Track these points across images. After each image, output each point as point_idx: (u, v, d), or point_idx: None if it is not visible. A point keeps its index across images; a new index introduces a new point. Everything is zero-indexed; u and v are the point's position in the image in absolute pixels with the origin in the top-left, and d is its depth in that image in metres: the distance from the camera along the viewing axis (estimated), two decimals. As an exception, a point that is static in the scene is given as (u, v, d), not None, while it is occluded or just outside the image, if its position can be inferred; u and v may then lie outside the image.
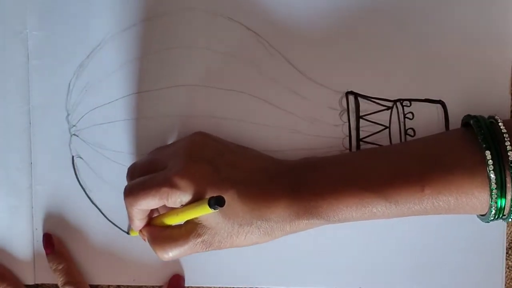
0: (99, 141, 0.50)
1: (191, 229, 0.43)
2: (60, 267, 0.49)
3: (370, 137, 0.49)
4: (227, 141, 0.47)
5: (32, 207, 0.51)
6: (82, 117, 0.50)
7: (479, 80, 0.49)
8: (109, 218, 0.50)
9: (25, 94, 0.50)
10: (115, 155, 0.50)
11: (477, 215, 0.45)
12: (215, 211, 0.39)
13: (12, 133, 0.50)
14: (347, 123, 0.49)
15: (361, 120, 0.49)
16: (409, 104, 0.49)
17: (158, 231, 0.44)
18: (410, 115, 0.49)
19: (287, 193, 0.43)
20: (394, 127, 0.49)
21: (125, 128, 0.50)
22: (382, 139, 0.49)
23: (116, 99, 0.50)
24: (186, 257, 0.50)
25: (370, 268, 0.50)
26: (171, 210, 0.43)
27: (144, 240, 0.46)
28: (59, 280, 0.49)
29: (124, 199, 0.43)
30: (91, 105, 0.50)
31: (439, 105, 0.49)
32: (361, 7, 0.49)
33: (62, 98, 0.50)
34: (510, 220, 0.43)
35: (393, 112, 0.49)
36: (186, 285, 0.50)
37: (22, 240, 0.51)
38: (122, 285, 0.51)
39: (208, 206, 0.39)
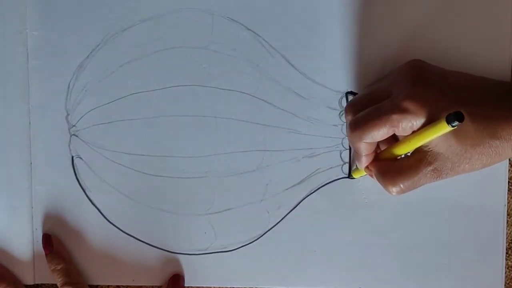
0: (99, 141, 0.50)
1: (420, 158, 0.41)
2: (59, 267, 0.49)
3: (370, 137, 0.49)
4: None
5: (32, 207, 0.51)
6: (82, 117, 0.50)
7: (479, 80, 0.49)
8: (109, 219, 0.50)
9: (25, 94, 0.50)
10: (115, 155, 0.50)
11: None
12: (453, 128, 0.37)
13: (12, 133, 0.50)
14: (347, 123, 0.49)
15: (361, 120, 0.49)
16: (409, 104, 0.49)
17: (386, 165, 0.43)
18: (410, 115, 0.49)
19: None
20: (394, 127, 0.49)
21: (125, 128, 0.50)
22: (382, 139, 0.49)
23: (116, 99, 0.50)
24: (186, 257, 0.50)
25: (370, 268, 0.50)
26: (401, 139, 0.42)
27: (372, 176, 0.45)
28: (58, 280, 0.49)
29: (350, 134, 0.42)
30: (91, 105, 0.50)
31: (439, 105, 0.49)
32: (361, 7, 0.49)
33: (62, 98, 0.50)
34: None
35: (393, 112, 0.49)
36: (186, 285, 0.50)
37: (22, 240, 0.51)
38: (122, 285, 0.51)
39: (446, 124, 0.37)
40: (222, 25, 0.49)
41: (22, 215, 0.51)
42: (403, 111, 0.40)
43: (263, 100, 0.50)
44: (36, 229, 0.51)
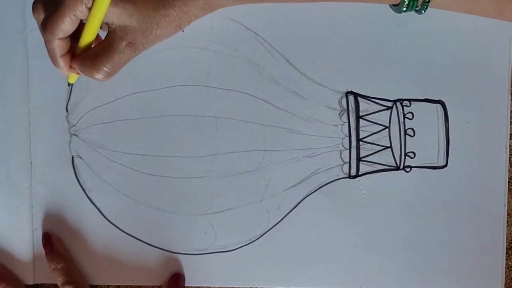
0: (99, 141, 0.50)
1: (112, 37, 0.42)
2: (59, 266, 0.49)
3: (370, 137, 0.49)
4: None
5: (32, 207, 0.51)
6: (82, 117, 0.50)
7: (479, 80, 0.49)
8: (109, 218, 0.50)
9: (25, 94, 0.50)
10: (115, 155, 0.50)
11: (390, 5, 0.45)
12: None
13: (12, 133, 0.50)
14: (347, 123, 0.49)
15: (361, 120, 0.49)
16: (409, 104, 0.49)
17: (84, 55, 0.43)
18: (410, 115, 0.49)
19: None
20: (394, 127, 0.49)
21: (125, 128, 0.50)
22: (382, 139, 0.49)
23: (116, 99, 0.50)
24: (186, 257, 0.50)
25: (370, 268, 0.50)
26: (84, 25, 0.42)
27: (79, 74, 0.45)
28: (58, 279, 0.49)
29: (43, 36, 0.42)
30: (91, 105, 0.50)
31: (439, 105, 0.49)
32: (361, 6, 0.49)
33: (62, 98, 0.50)
34: (423, 12, 0.43)
35: (393, 112, 0.50)
36: (186, 285, 0.50)
37: (22, 240, 0.51)
38: (122, 285, 0.51)
39: None
40: (222, 25, 0.49)
41: (22, 215, 0.51)
42: None
43: (263, 100, 0.50)
44: (36, 229, 0.51)
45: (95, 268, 0.51)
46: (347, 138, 0.49)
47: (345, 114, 0.49)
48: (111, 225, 0.50)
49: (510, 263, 0.50)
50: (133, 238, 0.50)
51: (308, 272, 0.50)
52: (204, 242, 0.50)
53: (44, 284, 0.51)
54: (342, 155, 0.50)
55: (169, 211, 0.50)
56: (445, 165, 0.49)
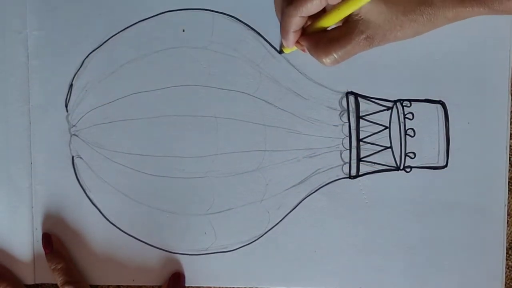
0: (99, 141, 0.50)
1: (352, 26, 0.42)
2: (59, 266, 0.49)
3: (370, 137, 0.49)
4: None
5: (32, 207, 0.51)
6: (82, 117, 0.50)
7: (479, 80, 0.49)
8: (109, 218, 0.50)
9: (25, 94, 0.50)
10: (115, 155, 0.50)
11: None
12: None
13: (12, 133, 0.50)
14: (347, 123, 0.49)
15: (361, 120, 0.49)
16: (409, 105, 0.49)
17: (317, 37, 0.43)
18: (410, 115, 0.49)
19: None
20: (394, 127, 0.49)
21: (125, 128, 0.50)
22: (382, 139, 0.49)
23: (116, 99, 0.50)
24: (186, 257, 0.50)
25: (370, 268, 0.50)
26: (331, 9, 0.42)
27: (304, 51, 0.45)
28: (58, 279, 0.49)
29: (286, 8, 0.42)
30: (91, 105, 0.50)
31: (439, 105, 0.49)
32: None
33: (62, 98, 0.50)
34: None
35: (393, 112, 0.50)
36: (186, 285, 0.50)
37: (22, 240, 0.51)
38: (122, 285, 0.51)
39: None
40: (222, 25, 0.49)
41: (22, 215, 0.51)
42: None
43: (263, 100, 0.50)
44: (36, 229, 0.51)
45: (95, 268, 0.51)
46: (348, 138, 0.49)
47: (346, 114, 0.49)
48: (111, 225, 0.50)
49: (510, 263, 0.50)
50: (133, 238, 0.50)
51: (308, 272, 0.50)
52: (204, 242, 0.50)
53: (44, 284, 0.51)
54: (342, 155, 0.50)
55: (169, 211, 0.50)
56: (445, 165, 0.49)
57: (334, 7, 0.42)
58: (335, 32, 0.43)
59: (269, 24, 0.49)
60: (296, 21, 0.43)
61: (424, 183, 0.49)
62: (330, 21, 0.43)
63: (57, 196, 0.50)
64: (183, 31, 0.49)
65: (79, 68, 0.50)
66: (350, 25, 0.42)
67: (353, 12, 0.42)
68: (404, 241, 0.50)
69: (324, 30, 0.44)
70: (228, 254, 0.50)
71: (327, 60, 0.43)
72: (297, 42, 0.45)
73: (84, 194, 0.50)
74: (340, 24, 0.43)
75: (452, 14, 0.43)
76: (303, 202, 0.50)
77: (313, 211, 0.50)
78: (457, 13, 0.43)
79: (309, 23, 0.45)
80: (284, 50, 0.49)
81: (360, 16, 0.42)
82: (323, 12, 0.43)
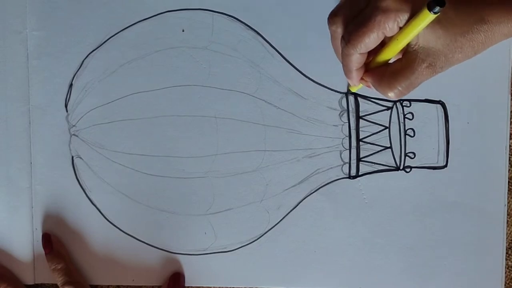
0: (99, 141, 0.50)
1: (413, 57, 0.41)
2: (59, 266, 0.49)
3: (370, 137, 0.49)
4: None
5: (32, 207, 0.51)
6: (82, 117, 0.50)
7: (479, 80, 0.49)
8: (109, 219, 0.50)
9: (25, 94, 0.50)
10: (115, 155, 0.50)
11: None
12: (436, 15, 0.37)
13: (12, 133, 0.50)
14: (347, 124, 0.49)
15: (361, 120, 0.49)
16: (409, 105, 0.49)
17: (380, 71, 0.43)
18: (410, 116, 0.49)
19: None
20: (394, 127, 0.49)
21: (125, 128, 0.50)
22: (382, 139, 0.49)
23: (116, 99, 0.50)
24: (186, 257, 0.50)
25: (370, 268, 0.50)
26: (389, 41, 0.42)
27: (369, 86, 0.44)
28: (58, 280, 0.49)
29: (344, 47, 0.42)
30: (91, 105, 0.50)
31: (439, 105, 0.49)
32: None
33: (62, 98, 0.50)
34: None
35: (393, 112, 0.50)
36: (186, 285, 0.50)
37: (22, 240, 0.51)
38: (122, 285, 0.51)
39: (428, 12, 0.37)
40: (222, 25, 0.49)
41: (22, 215, 0.51)
42: (385, 11, 0.39)
43: (263, 100, 0.50)
44: (36, 229, 0.51)
45: (95, 268, 0.51)
46: (347, 138, 0.49)
47: (345, 114, 0.49)
48: (111, 225, 0.50)
49: (510, 263, 0.50)
50: (133, 238, 0.50)
51: (308, 272, 0.50)
52: (204, 242, 0.50)
53: (44, 284, 0.51)
54: (342, 155, 0.50)
55: (169, 211, 0.50)
56: (445, 165, 0.49)
57: (392, 38, 0.41)
58: (397, 65, 0.42)
59: (269, 24, 0.49)
60: (356, 58, 0.42)
61: (423, 183, 0.49)
62: (390, 54, 0.42)
63: (57, 196, 0.50)
64: (183, 31, 0.49)
65: (79, 68, 0.50)
66: (410, 55, 0.41)
67: (411, 42, 0.41)
68: (404, 241, 0.50)
69: (386, 63, 0.43)
70: (228, 254, 0.50)
71: (391, 93, 0.42)
72: (362, 78, 0.44)
73: (84, 194, 0.50)
74: (400, 56, 0.42)
75: (507, 29, 0.41)
76: (303, 202, 0.50)
77: (313, 211, 0.50)
78: None
79: (370, 58, 0.44)
80: (351, 89, 0.49)
81: (418, 45, 0.41)
82: (382, 46, 0.42)
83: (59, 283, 0.49)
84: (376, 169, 0.49)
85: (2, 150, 0.50)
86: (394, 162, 0.49)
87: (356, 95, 0.49)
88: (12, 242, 0.51)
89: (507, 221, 0.50)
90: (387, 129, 0.49)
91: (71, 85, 0.50)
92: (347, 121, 0.49)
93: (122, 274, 0.51)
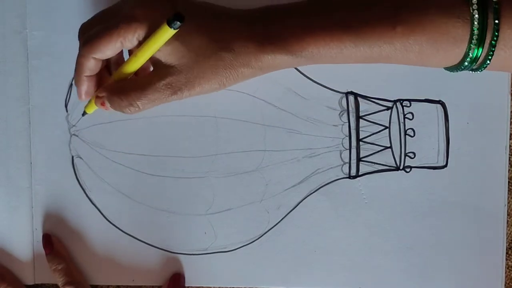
0: (99, 141, 0.50)
1: (154, 73, 0.40)
2: (60, 267, 0.49)
3: (370, 137, 0.49)
4: None
5: (32, 207, 0.51)
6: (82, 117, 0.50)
7: (479, 80, 0.49)
8: (109, 219, 0.50)
9: (25, 94, 0.50)
10: (115, 155, 0.50)
11: (445, 68, 0.42)
12: (176, 30, 0.37)
13: (12, 133, 0.50)
14: (347, 123, 0.49)
15: (361, 120, 0.49)
16: (409, 104, 0.49)
17: (119, 85, 0.41)
18: (410, 115, 0.49)
19: (251, 25, 0.40)
20: (394, 127, 0.49)
21: (125, 128, 0.50)
22: (382, 139, 0.49)
23: (116, 99, 0.50)
24: (186, 257, 0.50)
25: (370, 268, 0.50)
26: (129, 57, 0.40)
27: (104, 106, 0.42)
28: (59, 280, 0.49)
29: (80, 50, 0.40)
30: (91, 105, 0.50)
31: (439, 105, 0.49)
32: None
33: (62, 98, 0.50)
34: (479, 71, 0.40)
35: (393, 112, 0.50)
36: (186, 285, 0.50)
37: (22, 240, 0.51)
38: (122, 285, 0.51)
39: (168, 27, 0.36)
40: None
41: (22, 215, 0.51)
42: (130, 19, 0.38)
43: (263, 100, 0.50)
44: (36, 229, 0.51)
45: (95, 268, 0.51)
46: (347, 138, 0.49)
47: (345, 114, 0.49)
48: (111, 225, 0.50)
49: (510, 263, 0.50)
50: (133, 238, 0.50)
51: (308, 272, 0.50)
52: (204, 242, 0.50)
53: (44, 284, 0.51)
54: (342, 155, 0.50)
55: (169, 211, 0.50)
56: (445, 165, 0.49)
57: (133, 52, 0.40)
58: (138, 79, 0.41)
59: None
60: (89, 63, 0.40)
61: (423, 183, 0.49)
62: (130, 68, 0.41)
63: (57, 196, 0.50)
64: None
65: (79, 68, 0.50)
66: (153, 71, 0.40)
67: (156, 57, 0.40)
68: (404, 241, 0.50)
69: (124, 79, 0.42)
70: (228, 254, 0.50)
71: (129, 108, 0.41)
72: (97, 97, 0.42)
73: (84, 194, 0.50)
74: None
75: (254, 61, 0.40)
76: (303, 202, 0.50)
77: (313, 211, 0.50)
78: (260, 61, 0.40)
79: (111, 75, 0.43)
80: (87, 110, 0.45)
81: (162, 61, 0.39)
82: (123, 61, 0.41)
83: (60, 284, 0.49)
84: (376, 169, 0.49)
85: (2, 150, 0.50)
86: (394, 162, 0.49)
87: (356, 95, 0.49)
88: (12, 242, 0.51)
89: (507, 221, 0.50)
90: (387, 129, 0.49)
91: (71, 85, 0.50)
92: (347, 121, 0.49)
93: (122, 274, 0.51)
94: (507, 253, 0.50)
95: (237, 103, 0.49)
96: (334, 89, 0.49)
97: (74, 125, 0.50)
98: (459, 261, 0.50)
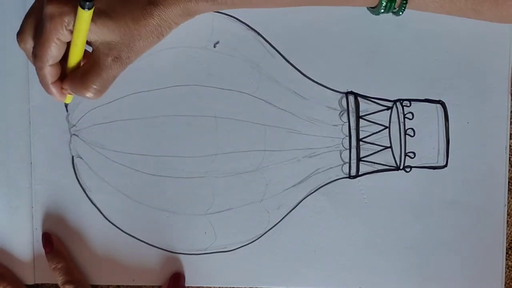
0: (99, 141, 0.50)
1: (97, 54, 0.41)
2: (60, 266, 0.49)
3: (370, 137, 0.49)
4: None
5: (32, 207, 0.51)
6: (82, 117, 0.50)
7: (479, 80, 0.49)
8: (109, 218, 0.50)
9: (25, 94, 0.50)
10: (115, 155, 0.50)
11: (367, 8, 0.45)
12: (90, 10, 0.38)
13: (12, 133, 0.50)
14: (347, 123, 0.49)
15: (361, 120, 0.49)
16: (409, 104, 0.49)
17: (73, 75, 0.43)
18: (410, 115, 0.49)
19: None
20: (394, 127, 0.49)
21: (125, 128, 0.50)
22: (382, 139, 0.49)
23: (116, 99, 0.50)
24: (186, 257, 0.50)
25: (370, 268, 0.50)
26: (69, 47, 0.42)
27: (70, 93, 0.44)
28: (59, 279, 0.49)
29: (35, 65, 0.42)
30: (91, 105, 0.50)
31: (439, 105, 0.49)
32: (361, 7, 0.49)
33: (62, 98, 0.50)
34: (400, 14, 0.43)
35: (393, 112, 0.50)
36: (186, 285, 0.50)
37: (22, 240, 0.51)
38: (122, 285, 0.51)
39: (83, 10, 0.38)
40: (222, 25, 0.49)
41: (22, 215, 0.51)
42: (51, 17, 0.39)
43: (263, 100, 0.50)
44: (36, 229, 0.51)
45: (95, 268, 0.51)
46: (347, 138, 0.49)
47: (345, 114, 0.49)
48: (111, 225, 0.50)
49: (510, 263, 0.50)
50: (133, 238, 0.50)
51: (308, 272, 0.50)
52: (204, 242, 0.50)
53: (44, 284, 0.51)
54: (342, 155, 0.50)
55: (169, 211, 0.50)
56: (445, 165, 0.49)
57: (71, 42, 0.41)
58: (87, 65, 0.42)
59: (269, 24, 0.49)
60: (49, 71, 0.42)
61: (423, 183, 0.49)
62: (74, 57, 0.42)
63: (57, 196, 0.50)
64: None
65: (79, 68, 0.50)
66: (95, 53, 0.42)
67: (90, 41, 0.41)
68: (404, 241, 0.50)
69: (79, 67, 0.43)
70: (228, 254, 0.50)
71: (89, 93, 0.42)
72: (62, 88, 0.44)
73: (84, 194, 0.50)
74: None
75: (180, 10, 0.42)
76: (303, 202, 0.50)
77: (313, 211, 0.50)
78: (187, 9, 0.42)
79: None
80: (65, 100, 0.46)
81: (97, 41, 0.41)
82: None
83: (59, 282, 0.49)
84: (376, 169, 0.50)
85: (2, 150, 0.50)
86: (394, 162, 0.49)
87: (356, 95, 0.49)
88: (12, 242, 0.51)
89: (507, 221, 0.50)
90: (387, 129, 0.49)
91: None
92: (347, 121, 0.49)
93: (122, 274, 0.51)
94: (507, 253, 0.50)
95: (237, 103, 0.49)
96: (334, 89, 0.49)
97: (74, 125, 0.50)
98: (459, 261, 0.50)
